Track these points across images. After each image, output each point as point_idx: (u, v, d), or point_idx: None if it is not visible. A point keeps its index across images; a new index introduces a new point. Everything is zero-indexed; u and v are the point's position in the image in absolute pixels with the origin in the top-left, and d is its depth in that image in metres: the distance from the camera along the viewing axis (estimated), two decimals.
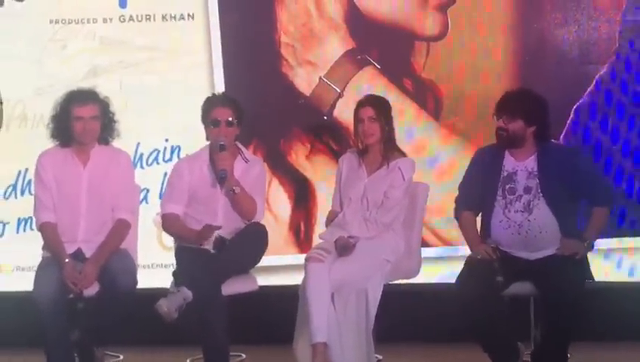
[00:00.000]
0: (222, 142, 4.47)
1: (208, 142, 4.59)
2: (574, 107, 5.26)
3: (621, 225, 5.24)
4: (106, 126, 4.52)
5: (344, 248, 4.34)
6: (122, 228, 4.46)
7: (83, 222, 4.44)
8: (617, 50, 5.27)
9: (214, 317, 4.23)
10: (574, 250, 4.22)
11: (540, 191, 4.25)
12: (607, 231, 5.03)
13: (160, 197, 5.29)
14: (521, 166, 4.33)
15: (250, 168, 4.57)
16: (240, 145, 4.63)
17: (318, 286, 4.22)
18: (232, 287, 4.39)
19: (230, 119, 4.52)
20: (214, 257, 4.36)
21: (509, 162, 4.34)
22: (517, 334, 4.30)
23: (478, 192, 4.38)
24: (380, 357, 4.52)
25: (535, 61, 5.31)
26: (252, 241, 4.45)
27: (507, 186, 4.31)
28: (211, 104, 4.57)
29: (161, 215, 4.63)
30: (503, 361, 4.24)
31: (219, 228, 4.39)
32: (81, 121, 4.44)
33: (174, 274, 4.37)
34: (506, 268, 4.16)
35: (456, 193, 4.57)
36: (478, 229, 4.43)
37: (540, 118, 4.31)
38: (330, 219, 4.59)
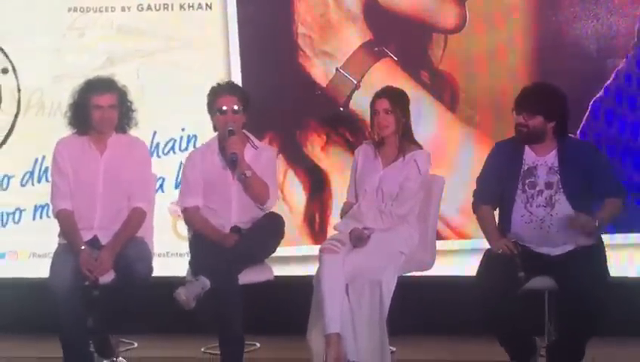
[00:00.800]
0: (231, 128, 4.48)
1: (217, 133, 4.60)
2: (592, 101, 5.23)
3: (638, 220, 5.22)
4: (124, 115, 4.53)
5: (359, 239, 4.34)
6: (138, 217, 4.48)
7: (99, 209, 4.45)
8: (636, 44, 5.24)
9: (231, 306, 4.25)
10: (583, 224, 4.17)
11: (560, 186, 4.24)
12: (624, 225, 5.05)
13: (176, 186, 5.31)
14: (541, 161, 4.31)
15: (259, 154, 4.58)
16: (248, 133, 4.64)
17: (332, 277, 4.22)
18: (248, 277, 4.40)
19: (236, 107, 4.52)
20: (233, 247, 4.36)
21: (530, 156, 4.32)
22: (532, 328, 4.30)
23: (497, 186, 4.36)
24: (394, 348, 4.52)
25: (553, 54, 5.29)
26: (269, 231, 4.47)
27: (527, 181, 4.29)
28: (216, 93, 4.57)
29: (181, 209, 4.64)
30: (520, 355, 4.23)
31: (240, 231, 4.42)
32: (100, 110, 4.45)
33: (191, 263, 4.38)
34: (526, 264, 4.14)
35: (472, 185, 4.55)
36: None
37: (559, 113, 4.28)
38: (345, 211, 4.59)
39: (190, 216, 4.57)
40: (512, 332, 4.18)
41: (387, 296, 4.22)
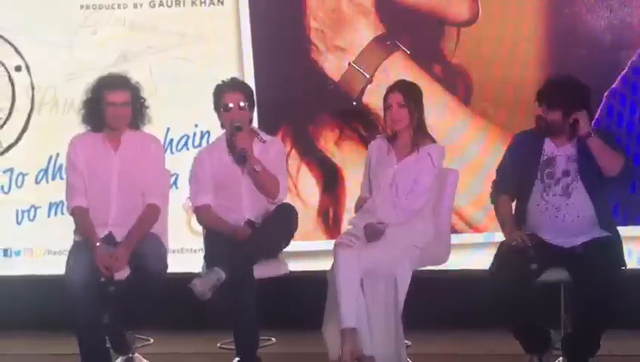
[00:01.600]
0: (237, 124, 4.48)
1: (224, 131, 4.60)
2: (606, 93, 5.21)
3: None
4: (137, 111, 4.54)
5: (373, 234, 4.34)
6: (153, 213, 4.48)
7: (114, 206, 4.46)
8: None
9: (246, 299, 4.26)
10: (583, 122, 4.13)
11: (578, 174, 4.23)
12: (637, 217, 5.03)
13: (190, 182, 5.31)
14: (560, 151, 4.29)
15: (268, 148, 4.58)
16: (255, 128, 4.64)
17: (347, 272, 4.22)
18: (263, 271, 4.41)
19: (242, 104, 4.52)
20: (248, 239, 4.37)
21: (550, 147, 4.31)
22: (547, 321, 4.29)
23: (516, 176, 4.34)
24: (409, 343, 4.52)
25: (566, 46, 5.26)
26: (282, 223, 4.47)
27: (546, 171, 4.28)
28: (221, 90, 4.58)
29: (193, 208, 4.65)
30: (535, 348, 4.22)
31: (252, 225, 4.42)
32: (113, 107, 4.46)
33: (205, 258, 4.39)
34: (540, 256, 4.13)
35: (486, 178, 4.54)
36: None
37: (580, 107, 4.24)
38: (359, 205, 4.58)
39: (202, 214, 4.58)
40: (526, 324, 4.17)
41: (402, 290, 4.21)
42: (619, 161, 4.23)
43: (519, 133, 4.46)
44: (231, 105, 4.51)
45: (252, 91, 4.59)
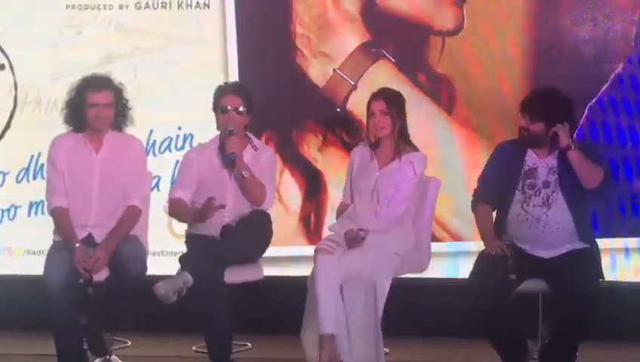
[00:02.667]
0: (231, 128, 4.48)
1: (219, 132, 4.60)
2: (589, 105, 5.24)
3: (634, 225, 5.23)
4: (120, 113, 4.53)
5: (354, 240, 4.34)
6: (133, 215, 4.47)
7: (94, 207, 4.45)
8: (633, 49, 5.25)
9: (215, 303, 4.24)
10: (563, 133, 4.17)
11: (558, 185, 4.25)
12: (618, 229, 5.06)
13: (172, 185, 5.30)
14: (542, 163, 4.31)
15: (259, 155, 4.58)
16: (250, 135, 4.64)
17: (326, 277, 4.22)
18: (237, 275, 4.39)
19: (240, 108, 4.53)
20: (217, 243, 4.36)
21: (531, 158, 4.33)
22: (525, 331, 4.30)
23: (498, 186, 4.36)
24: (387, 350, 4.52)
25: (550, 58, 5.29)
26: (255, 229, 4.44)
27: (527, 181, 4.30)
28: (222, 92, 4.58)
29: (168, 201, 4.65)
30: (512, 358, 4.23)
31: (223, 206, 4.39)
32: (96, 108, 4.45)
33: (180, 259, 4.38)
34: (519, 266, 4.14)
35: (468, 187, 4.56)
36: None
37: (562, 120, 4.26)
38: (341, 212, 4.59)
39: (173, 206, 4.56)
40: (504, 334, 4.18)
41: (381, 297, 4.21)
42: (598, 174, 4.25)
43: (502, 143, 4.48)
44: (229, 107, 4.51)
45: (252, 98, 4.58)
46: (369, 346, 4.21)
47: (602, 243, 4.70)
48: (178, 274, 4.23)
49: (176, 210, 4.57)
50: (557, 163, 4.29)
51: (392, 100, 4.48)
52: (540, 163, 4.32)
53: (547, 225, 4.23)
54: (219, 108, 4.55)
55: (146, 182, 4.67)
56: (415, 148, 4.52)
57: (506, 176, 4.33)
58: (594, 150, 4.39)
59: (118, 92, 4.51)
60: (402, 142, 4.48)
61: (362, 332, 4.21)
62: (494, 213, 4.40)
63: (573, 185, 4.25)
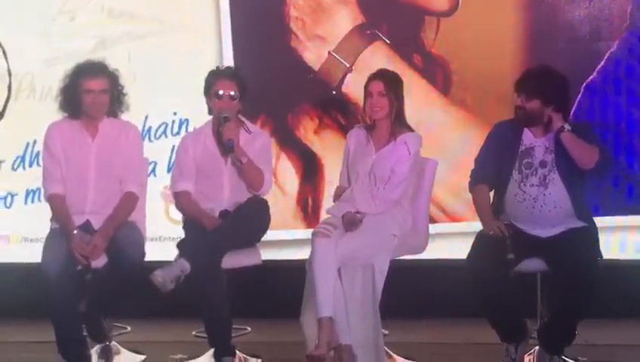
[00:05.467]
0: (225, 114, 4.46)
1: (211, 117, 4.59)
2: (584, 84, 5.23)
3: (629, 203, 5.24)
4: (115, 99, 4.51)
5: (351, 223, 4.33)
6: (130, 201, 4.46)
7: (91, 194, 4.44)
8: (628, 27, 5.24)
9: (213, 290, 4.24)
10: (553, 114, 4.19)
11: (555, 165, 4.25)
12: (614, 208, 5.07)
13: (168, 170, 5.31)
14: (539, 142, 4.31)
15: (253, 139, 4.56)
16: (243, 118, 4.63)
17: (324, 261, 4.21)
18: (235, 260, 4.39)
19: (233, 93, 4.50)
20: (215, 230, 4.35)
21: (528, 137, 4.32)
22: (524, 310, 4.31)
23: (495, 166, 4.36)
24: (386, 332, 4.53)
25: (545, 37, 5.29)
26: (252, 215, 4.43)
27: (524, 161, 4.30)
28: (215, 77, 4.55)
29: (172, 194, 4.63)
30: (511, 338, 4.24)
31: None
32: (91, 94, 4.43)
33: (178, 245, 4.38)
34: (517, 246, 4.15)
35: (465, 168, 4.55)
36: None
37: (558, 97, 4.27)
38: (338, 195, 4.57)
39: (181, 200, 4.56)
40: (502, 313, 4.19)
41: (380, 279, 4.21)
42: (593, 154, 4.25)
43: (498, 123, 4.48)
44: (222, 92, 4.49)
45: (245, 82, 4.56)
46: (368, 328, 4.21)
47: (602, 221, 4.73)
48: (175, 261, 4.22)
49: (185, 206, 4.53)
50: (554, 142, 4.29)
51: (390, 81, 4.45)
52: (536, 142, 4.32)
53: (544, 204, 4.24)
54: (212, 93, 4.52)
55: (142, 168, 4.65)
56: (411, 130, 4.49)
57: (502, 156, 4.33)
58: (588, 130, 4.39)
59: (113, 78, 4.49)
60: (398, 123, 4.46)
61: (361, 314, 4.21)
62: (492, 194, 4.40)
63: (570, 165, 4.25)
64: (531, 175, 4.27)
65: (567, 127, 4.23)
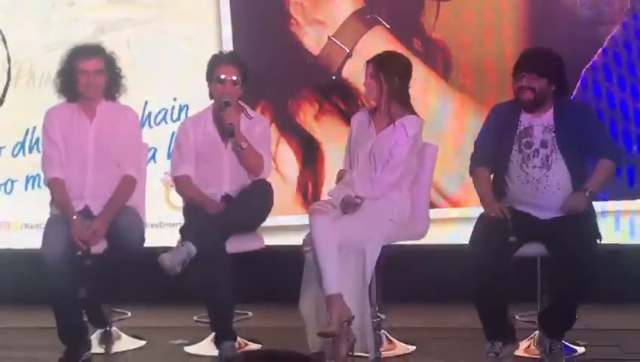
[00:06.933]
0: (226, 99, 4.46)
1: (212, 102, 4.58)
2: (585, 67, 5.21)
3: (631, 186, 5.23)
4: (112, 81, 4.50)
5: (349, 205, 4.30)
6: (129, 185, 4.45)
7: (90, 178, 4.43)
8: (629, 10, 5.22)
9: (218, 273, 4.24)
10: (577, 204, 4.17)
11: (556, 144, 4.23)
12: (614, 192, 5.06)
13: (168, 156, 5.29)
14: (537, 121, 4.29)
15: (253, 125, 4.56)
16: (243, 104, 4.62)
17: (324, 238, 4.14)
18: (238, 245, 4.40)
19: (235, 78, 4.50)
20: (220, 214, 4.35)
21: (526, 117, 4.30)
22: (524, 296, 4.30)
23: (494, 148, 4.34)
24: (383, 316, 4.53)
25: (546, 21, 5.26)
26: (257, 198, 4.45)
27: (523, 140, 4.28)
28: (218, 61, 4.55)
29: (173, 178, 4.63)
30: (497, 334, 4.17)
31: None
32: (85, 75, 4.41)
33: (181, 230, 4.38)
34: (518, 228, 4.13)
35: (465, 153, 4.54)
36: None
37: (560, 76, 4.28)
38: (340, 178, 4.54)
39: (182, 184, 4.56)
40: (497, 301, 4.13)
41: (370, 264, 4.18)
42: (613, 171, 4.30)
43: (497, 105, 4.46)
44: (224, 76, 4.48)
45: (247, 67, 4.55)
46: (357, 313, 4.15)
47: (602, 205, 4.73)
48: (181, 244, 4.22)
49: (185, 190, 4.54)
50: (553, 121, 4.27)
51: (380, 63, 4.39)
52: (534, 121, 4.29)
53: (548, 185, 4.22)
54: (214, 77, 4.51)
55: (141, 152, 4.64)
56: (412, 113, 4.43)
57: (501, 137, 4.32)
58: (594, 115, 4.37)
59: (108, 60, 4.48)
60: (395, 106, 4.39)
61: (352, 298, 4.13)
62: (492, 176, 4.39)
63: (572, 145, 4.23)
64: (533, 156, 4.25)
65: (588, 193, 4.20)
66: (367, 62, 4.44)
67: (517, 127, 4.29)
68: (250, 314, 4.78)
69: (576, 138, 4.23)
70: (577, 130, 4.24)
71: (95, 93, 4.46)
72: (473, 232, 4.27)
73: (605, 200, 5.06)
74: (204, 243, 4.20)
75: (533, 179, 4.23)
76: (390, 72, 4.38)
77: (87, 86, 4.43)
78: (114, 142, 4.46)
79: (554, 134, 4.25)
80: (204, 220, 4.32)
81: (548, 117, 4.28)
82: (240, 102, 4.59)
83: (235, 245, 4.37)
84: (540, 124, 4.28)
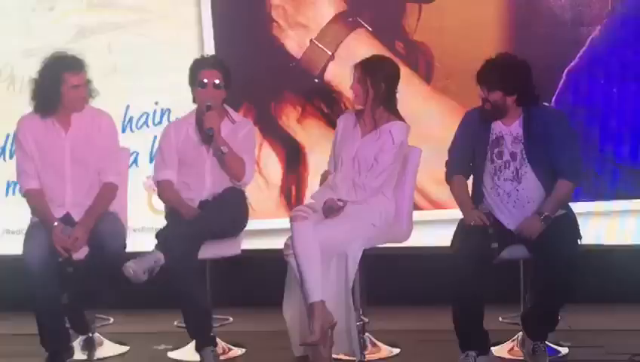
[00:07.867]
0: (208, 103, 4.44)
1: (196, 106, 4.56)
2: (566, 69, 5.22)
3: (612, 188, 5.24)
4: (89, 90, 4.45)
5: (331, 209, 4.29)
6: (110, 191, 4.42)
7: (69, 187, 4.39)
8: (610, 12, 5.23)
9: (188, 281, 4.20)
10: (530, 230, 4.13)
11: (525, 157, 4.22)
12: (597, 193, 5.08)
13: (150, 160, 5.28)
14: (507, 130, 4.27)
15: (237, 129, 4.54)
16: (227, 108, 4.60)
17: (305, 243, 4.13)
18: (213, 251, 4.37)
19: (217, 82, 4.48)
20: (190, 221, 4.32)
21: (497, 125, 4.28)
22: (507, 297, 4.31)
23: (469, 155, 4.34)
24: (367, 319, 4.52)
25: (527, 23, 5.27)
26: (232, 205, 4.41)
27: (495, 150, 4.26)
28: (200, 65, 4.53)
29: (155, 182, 4.61)
30: (471, 344, 4.13)
31: None
32: (75, 90, 4.34)
33: (157, 235, 4.34)
34: (499, 234, 4.13)
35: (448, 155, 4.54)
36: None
37: (519, 85, 4.21)
38: (324, 179, 4.51)
39: (162, 189, 4.54)
40: (475, 310, 4.09)
41: (352, 268, 4.17)
42: (569, 190, 4.22)
43: (469, 112, 4.42)
44: (206, 81, 4.46)
45: (229, 71, 4.53)
46: (341, 316, 4.15)
47: (584, 206, 4.73)
48: (150, 252, 4.19)
49: (167, 195, 4.50)
50: (522, 131, 4.24)
51: (367, 68, 4.38)
52: (505, 131, 4.26)
53: (518, 200, 4.20)
54: (197, 82, 4.50)
55: (120, 157, 4.59)
56: (399, 117, 4.43)
57: (475, 145, 4.29)
58: (563, 119, 4.33)
59: (86, 69, 4.43)
60: (381, 110, 4.39)
61: (334, 302, 4.13)
62: (470, 182, 4.38)
63: (540, 154, 4.20)
64: (504, 167, 4.23)
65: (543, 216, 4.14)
66: (355, 66, 4.43)
67: (489, 136, 4.26)
68: (231, 319, 4.75)
69: (545, 148, 4.19)
70: (547, 139, 4.20)
71: (80, 106, 4.40)
72: (453, 238, 4.25)
73: (590, 200, 5.08)
74: (172, 251, 4.15)
75: (503, 192, 4.22)
76: (377, 77, 4.37)
77: (75, 100, 4.36)
78: (91, 150, 4.40)
79: (522, 146, 4.22)
80: (175, 227, 4.29)
81: (516, 126, 4.25)
82: (225, 105, 4.57)
83: (211, 251, 4.34)
84: (509, 133, 4.25)
